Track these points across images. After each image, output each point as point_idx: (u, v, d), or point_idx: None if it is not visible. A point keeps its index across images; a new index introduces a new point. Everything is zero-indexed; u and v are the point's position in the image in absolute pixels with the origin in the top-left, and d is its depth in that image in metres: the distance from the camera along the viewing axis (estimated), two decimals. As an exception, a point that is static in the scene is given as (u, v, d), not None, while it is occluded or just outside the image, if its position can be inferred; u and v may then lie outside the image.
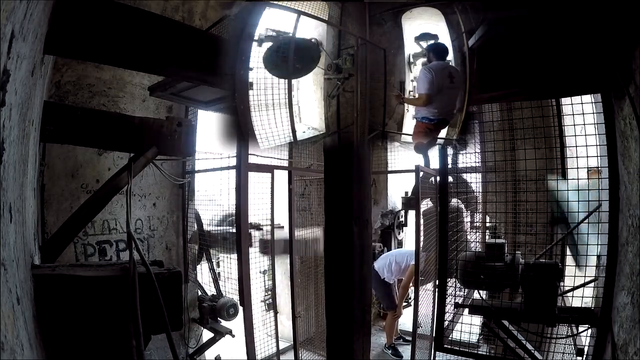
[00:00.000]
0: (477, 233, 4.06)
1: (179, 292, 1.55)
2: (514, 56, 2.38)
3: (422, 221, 3.88)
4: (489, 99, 3.19)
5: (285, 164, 4.49)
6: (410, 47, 5.21)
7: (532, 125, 2.90)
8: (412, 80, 5.19)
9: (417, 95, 3.85)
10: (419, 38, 4.99)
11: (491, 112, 3.65)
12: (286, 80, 3.73)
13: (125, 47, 1.82)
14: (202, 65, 2.15)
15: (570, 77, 2.24)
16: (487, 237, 3.76)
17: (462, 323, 2.82)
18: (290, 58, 3.16)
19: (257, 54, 3.37)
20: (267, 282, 4.60)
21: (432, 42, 3.99)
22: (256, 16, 3.04)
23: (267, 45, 3.45)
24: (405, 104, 4.95)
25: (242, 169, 3.30)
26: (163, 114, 4.03)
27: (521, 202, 3.51)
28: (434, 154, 3.60)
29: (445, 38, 4.38)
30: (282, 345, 4.33)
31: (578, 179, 2.41)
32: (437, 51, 3.71)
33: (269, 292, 4.58)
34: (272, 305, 4.28)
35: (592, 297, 2.51)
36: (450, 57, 4.08)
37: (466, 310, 2.68)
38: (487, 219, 3.90)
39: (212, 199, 4.54)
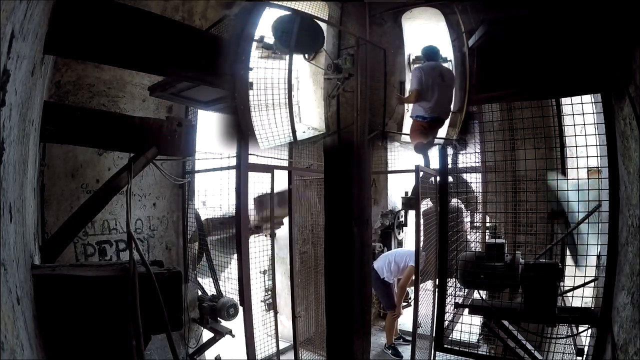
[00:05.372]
0: (477, 233, 4.06)
1: (179, 292, 1.55)
2: (513, 56, 2.38)
3: (422, 221, 3.88)
4: (488, 99, 3.19)
5: (285, 164, 4.49)
6: (410, 47, 5.22)
7: (532, 125, 2.89)
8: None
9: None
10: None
11: (491, 112, 3.65)
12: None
13: (125, 47, 1.82)
14: (202, 65, 2.14)
15: (570, 77, 2.23)
16: (487, 237, 3.76)
17: (462, 323, 2.81)
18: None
19: (257, 53, 3.37)
20: (267, 282, 4.60)
21: (424, 45, 4.16)
22: (256, 16, 3.04)
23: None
24: (405, 104, 4.98)
25: (242, 169, 3.30)
26: (163, 114, 4.03)
27: (521, 202, 3.50)
28: (434, 154, 3.62)
29: (444, 38, 4.39)
30: (282, 345, 4.34)
31: (578, 179, 2.41)
32: (427, 53, 4.01)
33: (269, 292, 4.57)
34: (272, 305, 4.28)
35: (592, 297, 2.51)
36: (448, 57, 4.13)
37: (466, 310, 2.68)
38: (487, 219, 3.90)
39: (211, 200, 4.54)
